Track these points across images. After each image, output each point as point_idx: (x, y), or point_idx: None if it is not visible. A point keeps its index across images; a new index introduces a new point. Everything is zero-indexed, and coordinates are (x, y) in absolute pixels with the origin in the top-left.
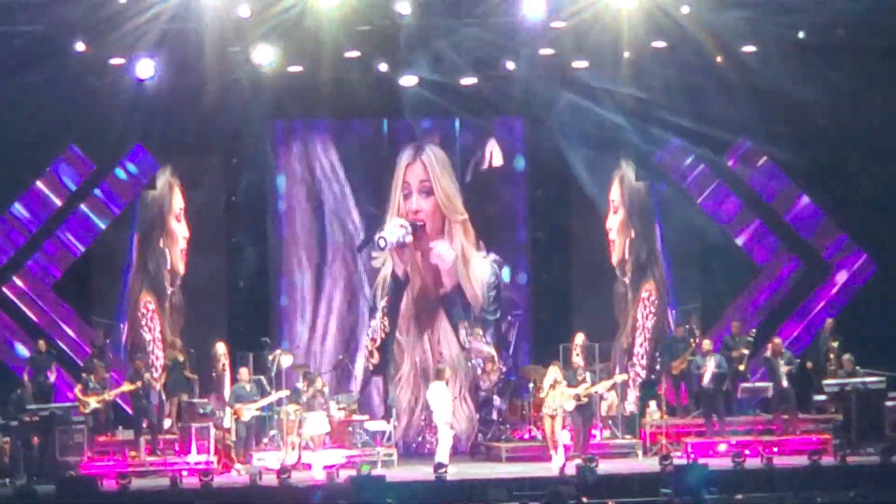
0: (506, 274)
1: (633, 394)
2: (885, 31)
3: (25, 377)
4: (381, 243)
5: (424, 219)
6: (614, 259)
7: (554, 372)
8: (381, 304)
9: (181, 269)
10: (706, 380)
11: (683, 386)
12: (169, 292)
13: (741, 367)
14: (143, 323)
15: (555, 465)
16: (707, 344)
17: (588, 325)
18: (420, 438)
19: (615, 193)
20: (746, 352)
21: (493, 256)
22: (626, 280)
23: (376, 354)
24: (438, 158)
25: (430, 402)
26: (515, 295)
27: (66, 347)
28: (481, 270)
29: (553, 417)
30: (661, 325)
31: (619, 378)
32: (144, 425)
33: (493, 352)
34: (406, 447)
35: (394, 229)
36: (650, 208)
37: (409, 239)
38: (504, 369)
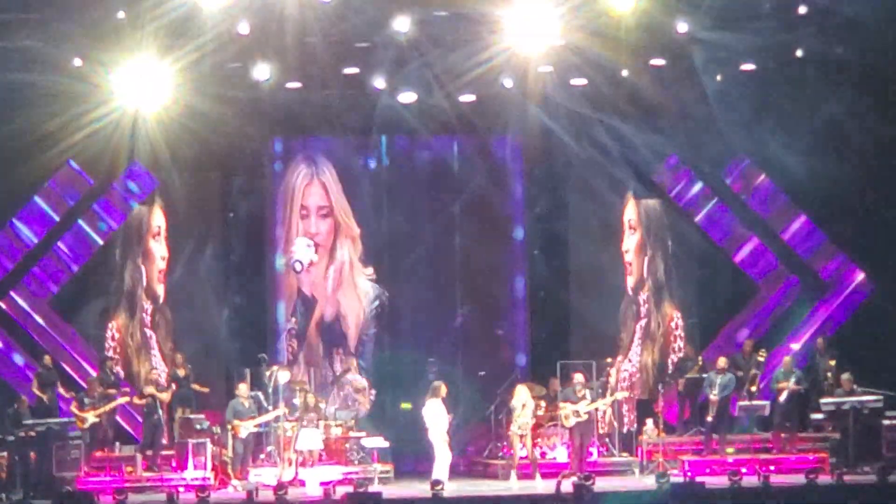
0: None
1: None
2: (883, 49)
3: (36, 392)
4: (297, 267)
5: (321, 241)
6: (631, 281)
7: (523, 392)
8: (289, 325)
9: (160, 289)
10: (712, 398)
11: (687, 403)
12: (147, 311)
13: (753, 388)
14: (109, 337)
15: (513, 485)
16: (722, 361)
17: (586, 342)
18: None
19: (631, 213)
20: (758, 372)
21: (370, 272)
22: (643, 299)
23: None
24: (333, 176)
25: (425, 419)
26: (514, 312)
27: (64, 362)
28: (366, 288)
29: (523, 437)
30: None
31: (619, 395)
32: (150, 441)
33: (365, 382)
34: None
35: (304, 250)
36: (665, 226)
37: (315, 258)
38: (373, 398)
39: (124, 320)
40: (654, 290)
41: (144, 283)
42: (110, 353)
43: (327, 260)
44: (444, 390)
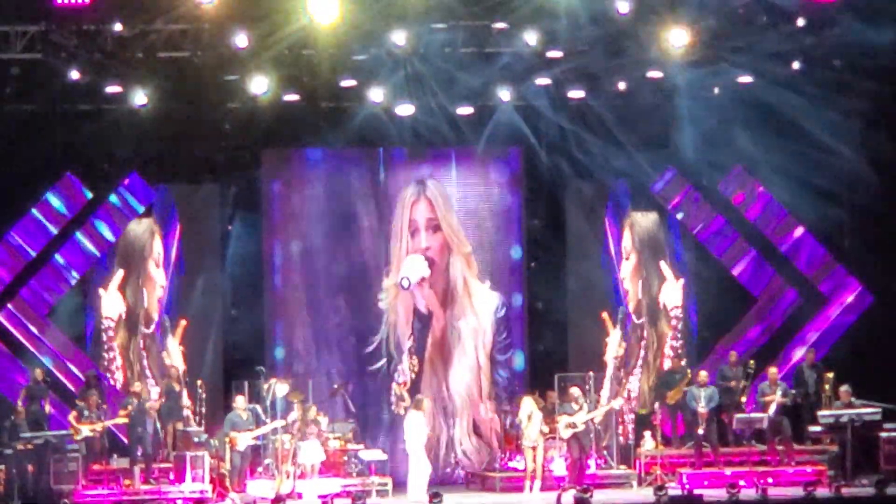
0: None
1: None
2: (882, 61)
3: (19, 404)
4: (405, 283)
5: (434, 255)
6: (630, 306)
7: (529, 404)
8: (408, 344)
9: (155, 316)
10: (701, 411)
11: (680, 416)
12: (144, 332)
13: (742, 399)
14: (107, 353)
15: (525, 498)
16: (703, 375)
17: (583, 355)
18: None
19: (626, 241)
20: (745, 383)
21: (488, 284)
22: (642, 322)
23: (406, 397)
24: (441, 193)
25: (405, 430)
26: (512, 325)
27: (61, 374)
28: (486, 302)
29: (534, 449)
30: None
31: (615, 404)
32: (139, 454)
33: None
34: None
35: (414, 267)
36: (662, 243)
37: (428, 273)
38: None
39: (123, 339)
40: (650, 311)
41: (146, 305)
42: (112, 367)
43: (442, 277)
44: (426, 404)
